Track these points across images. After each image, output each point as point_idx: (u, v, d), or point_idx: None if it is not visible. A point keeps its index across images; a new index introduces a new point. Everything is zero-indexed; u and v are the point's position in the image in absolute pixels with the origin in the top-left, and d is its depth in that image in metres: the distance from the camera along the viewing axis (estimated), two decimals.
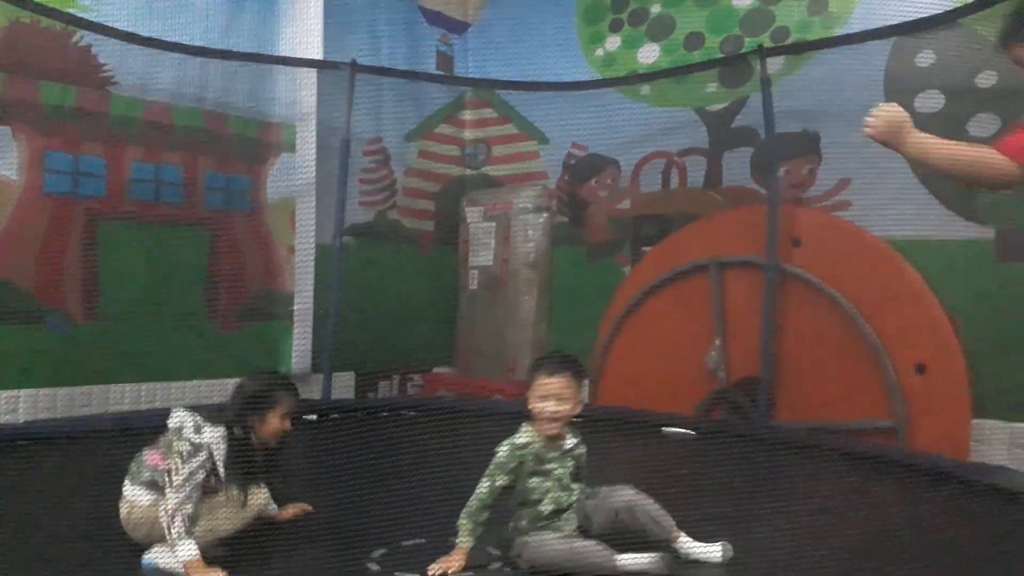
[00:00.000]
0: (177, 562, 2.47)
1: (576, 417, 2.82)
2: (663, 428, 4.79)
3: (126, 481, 2.70)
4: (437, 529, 2.70)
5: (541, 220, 6.06)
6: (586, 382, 2.41)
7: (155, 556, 2.51)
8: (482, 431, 4.89)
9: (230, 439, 2.69)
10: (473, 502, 2.60)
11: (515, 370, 6.04)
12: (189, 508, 2.54)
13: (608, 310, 5.58)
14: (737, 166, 5.23)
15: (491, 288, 6.25)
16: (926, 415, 4.31)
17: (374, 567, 2.54)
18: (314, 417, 4.69)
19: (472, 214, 6.39)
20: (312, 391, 5.36)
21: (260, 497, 2.84)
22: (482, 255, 6.31)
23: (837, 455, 4.22)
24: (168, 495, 2.55)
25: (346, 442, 4.38)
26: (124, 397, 4.78)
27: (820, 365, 4.67)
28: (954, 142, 2.40)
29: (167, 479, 2.58)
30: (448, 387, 6.18)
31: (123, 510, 2.65)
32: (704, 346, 5.09)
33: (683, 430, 4.76)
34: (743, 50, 5.25)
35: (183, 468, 2.58)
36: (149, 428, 3.81)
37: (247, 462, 2.72)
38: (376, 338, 5.82)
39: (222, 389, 5.10)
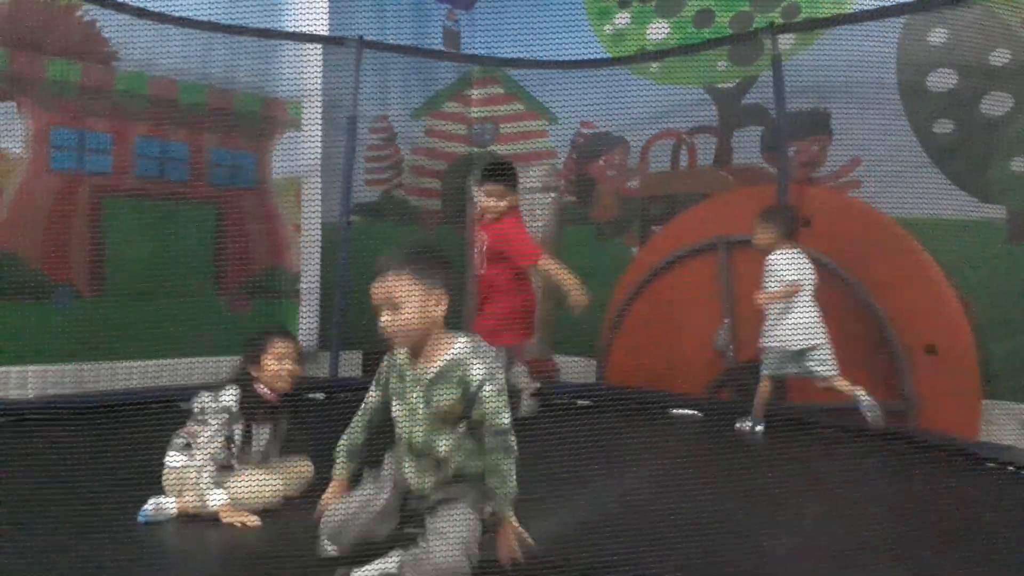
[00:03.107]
0: (173, 510, 2.70)
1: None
2: (671, 410, 4.79)
3: (172, 453, 2.91)
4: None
5: (549, 199, 6.03)
6: (445, 277, 2.06)
7: (149, 507, 2.68)
8: None
9: (244, 395, 2.91)
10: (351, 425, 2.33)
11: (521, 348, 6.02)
12: (213, 464, 2.76)
13: (616, 290, 5.56)
14: (747, 145, 5.19)
15: None
16: (935, 396, 4.29)
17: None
18: (322, 396, 4.68)
19: (479, 192, 6.34)
20: (319, 369, 5.35)
21: (304, 469, 2.99)
22: None
23: (845, 435, 4.22)
24: (197, 455, 2.80)
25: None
26: (132, 374, 4.77)
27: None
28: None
29: (196, 441, 2.85)
30: None
31: (163, 473, 2.86)
32: (712, 326, 5.07)
33: (690, 411, 4.76)
34: (753, 27, 5.19)
35: (208, 429, 2.83)
36: (155, 403, 3.83)
37: (258, 408, 2.94)
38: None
39: (229, 366, 5.09)
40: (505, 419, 2.00)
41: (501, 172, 4.25)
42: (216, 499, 2.72)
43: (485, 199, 4.21)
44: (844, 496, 3.21)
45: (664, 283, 5.32)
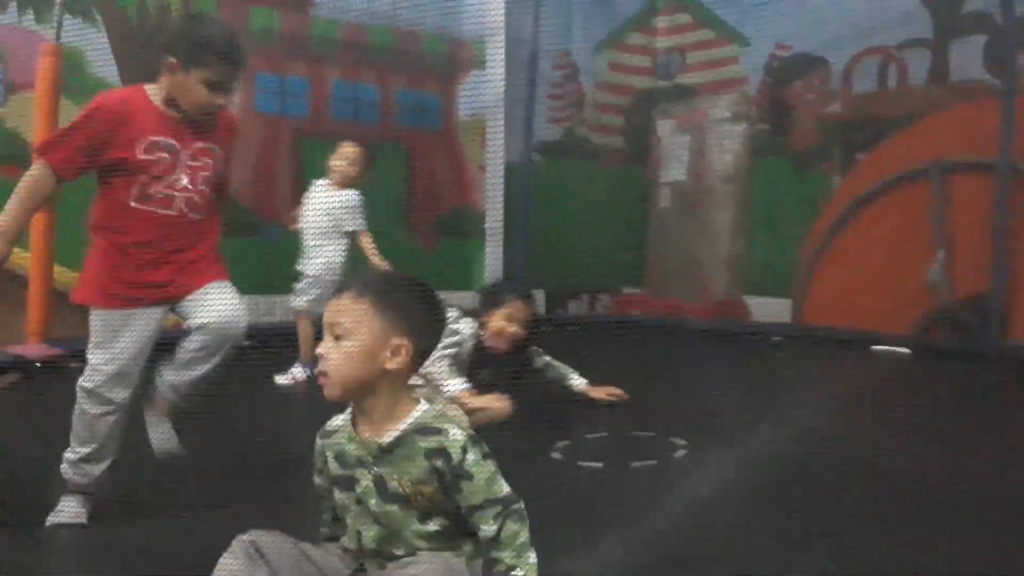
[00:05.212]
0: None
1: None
2: (873, 346, 4.47)
3: None
4: (617, 425, 2.97)
5: (740, 129, 5.73)
6: (418, 317, 1.47)
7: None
8: (670, 347, 4.81)
9: (476, 335, 2.99)
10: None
11: (708, 289, 5.83)
12: (447, 362, 2.87)
13: (814, 223, 5.23)
14: (967, 57, 4.67)
15: (684, 205, 6.02)
16: None
17: (557, 456, 2.69)
18: None
19: (664, 127, 6.15)
20: None
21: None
22: (674, 170, 6.08)
23: None
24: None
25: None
26: None
27: None
28: None
29: None
30: (638, 307, 6.07)
31: None
32: (923, 260, 4.69)
33: (896, 348, 4.43)
34: None
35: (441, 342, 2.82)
36: None
37: (480, 358, 2.99)
38: (565, 257, 5.79)
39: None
40: (505, 487, 1.46)
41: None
42: (457, 385, 2.83)
43: (176, 88, 2.17)
44: None
45: (870, 214, 4.96)
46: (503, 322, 2.99)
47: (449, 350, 2.93)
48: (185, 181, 2.18)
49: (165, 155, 2.15)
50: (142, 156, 2.12)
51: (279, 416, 3.14)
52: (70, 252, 3.95)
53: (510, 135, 5.69)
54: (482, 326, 3.02)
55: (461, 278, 5.49)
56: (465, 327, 3.01)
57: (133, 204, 2.14)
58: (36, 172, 2.09)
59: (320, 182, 3.97)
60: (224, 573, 1.44)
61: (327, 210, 3.86)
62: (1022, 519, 2.07)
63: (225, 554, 1.46)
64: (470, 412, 2.82)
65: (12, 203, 2.06)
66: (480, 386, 2.98)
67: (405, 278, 1.58)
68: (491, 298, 3.07)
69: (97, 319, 2.14)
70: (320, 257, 3.85)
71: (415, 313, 1.49)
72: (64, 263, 3.86)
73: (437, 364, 2.89)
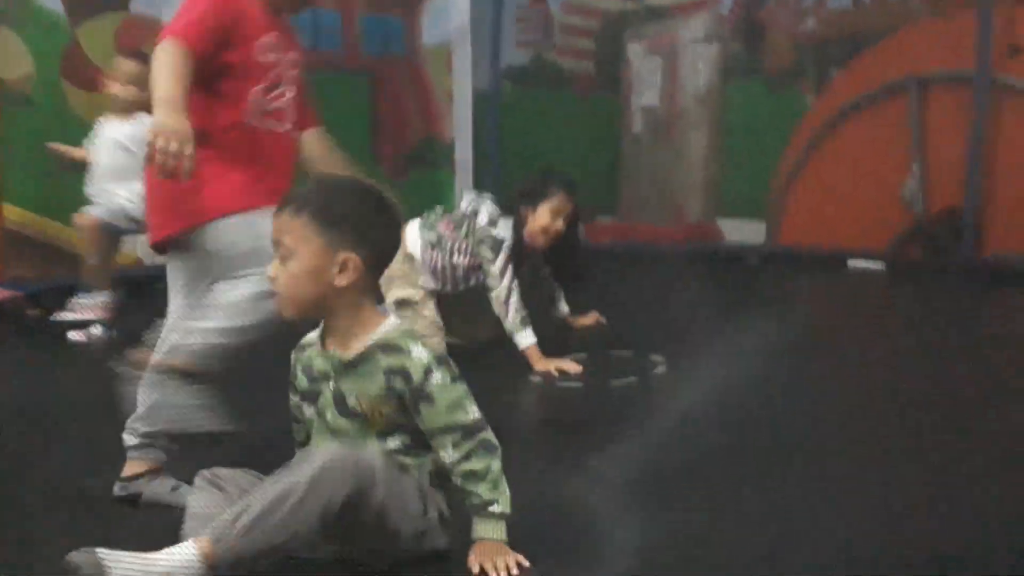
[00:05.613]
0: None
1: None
2: (849, 262, 4.50)
3: (417, 223, 2.81)
4: (596, 345, 2.94)
5: (713, 50, 5.60)
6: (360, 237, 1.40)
7: None
8: (645, 274, 4.78)
9: (515, 233, 2.71)
10: None
11: (682, 214, 5.77)
12: (516, 296, 2.63)
13: (790, 143, 5.16)
14: None
15: (656, 130, 5.92)
16: None
17: (536, 379, 2.63)
18: None
19: (635, 50, 5.99)
20: None
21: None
22: (647, 94, 5.95)
23: None
24: (494, 285, 2.65)
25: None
26: None
27: None
28: None
29: (457, 255, 2.75)
30: (612, 235, 6.00)
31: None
32: (899, 176, 4.66)
33: (871, 264, 4.45)
34: None
35: (498, 260, 2.66)
36: None
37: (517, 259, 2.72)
38: None
39: None
40: (472, 413, 1.40)
41: None
42: (526, 339, 2.62)
43: None
44: None
45: (845, 132, 4.90)
46: (548, 217, 2.69)
47: (501, 261, 2.66)
48: (291, 93, 1.83)
49: (276, 60, 1.80)
50: (262, 58, 1.76)
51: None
52: (20, 190, 3.80)
53: (477, 61, 5.53)
54: (520, 222, 2.71)
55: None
56: (503, 231, 2.71)
57: (250, 118, 1.77)
58: (170, 48, 1.65)
59: (106, 117, 3.25)
60: (196, 508, 1.40)
61: (119, 145, 3.17)
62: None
63: (193, 492, 1.46)
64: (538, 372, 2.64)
65: (161, 77, 1.63)
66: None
67: (349, 186, 1.49)
68: (536, 188, 2.76)
69: (243, 226, 1.70)
70: (115, 203, 3.15)
71: (362, 223, 1.41)
72: (15, 201, 3.70)
73: (508, 287, 2.65)
